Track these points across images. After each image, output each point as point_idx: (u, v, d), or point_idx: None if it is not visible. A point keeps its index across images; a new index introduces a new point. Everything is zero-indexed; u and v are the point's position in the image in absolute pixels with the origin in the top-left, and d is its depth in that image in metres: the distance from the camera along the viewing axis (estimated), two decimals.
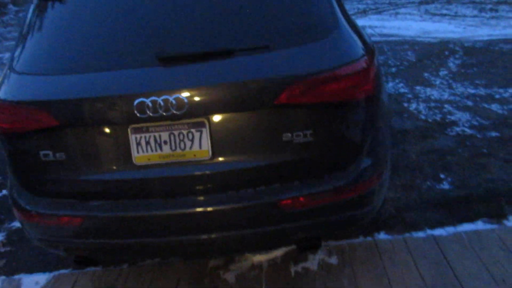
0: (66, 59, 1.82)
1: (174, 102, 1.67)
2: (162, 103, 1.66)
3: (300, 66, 1.73)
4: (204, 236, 1.81)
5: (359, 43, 1.87)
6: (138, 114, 1.68)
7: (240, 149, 1.77)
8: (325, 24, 1.81)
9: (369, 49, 1.91)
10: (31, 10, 2.00)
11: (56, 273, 2.50)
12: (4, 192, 3.51)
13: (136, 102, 1.67)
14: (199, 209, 1.78)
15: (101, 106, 1.72)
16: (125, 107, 1.69)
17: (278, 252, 2.42)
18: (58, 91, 1.76)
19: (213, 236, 1.82)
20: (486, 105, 4.39)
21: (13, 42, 10.37)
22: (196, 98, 1.68)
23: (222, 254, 2.33)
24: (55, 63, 1.81)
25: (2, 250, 2.82)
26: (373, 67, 1.85)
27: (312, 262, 2.34)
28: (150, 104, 1.66)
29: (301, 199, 1.79)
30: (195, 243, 1.85)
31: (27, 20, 1.99)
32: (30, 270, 2.57)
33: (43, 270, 2.55)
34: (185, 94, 1.67)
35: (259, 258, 2.41)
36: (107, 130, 1.76)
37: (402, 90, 4.98)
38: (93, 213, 1.82)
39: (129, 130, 1.75)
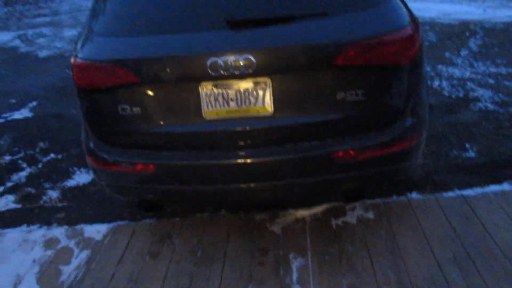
0: (144, 22, 2.02)
1: (243, 62, 1.87)
2: (232, 63, 1.87)
3: (355, 31, 1.92)
4: (266, 184, 2.04)
5: (405, 13, 2.05)
6: (210, 72, 1.88)
7: (298, 106, 1.97)
8: None
9: (414, 18, 2.10)
10: None
11: (115, 223, 2.74)
12: (52, 155, 3.75)
13: (209, 61, 1.87)
14: (261, 159, 2.00)
15: (177, 64, 1.92)
16: (199, 66, 1.89)
17: (319, 208, 2.65)
18: (138, 50, 1.96)
19: (270, 183, 2.05)
20: (507, 83, 4.54)
21: (32, 19, 10.53)
22: (262, 59, 1.88)
23: (281, 200, 2.53)
24: (133, 26, 2.02)
25: (60, 205, 3.07)
26: (418, 35, 2.04)
27: (352, 216, 2.56)
28: (222, 63, 1.87)
29: (352, 152, 2.00)
30: (257, 189, 2.08)
31: None
32: (90, 221, 2.81)
33: (101, 221, 2.79)
34: (252, 55, 1.86)
35: (302, 213, 2.63)
36: (180, 86, 1.97)
37: (426, 71, 5.13)
38: (165, 161, 2.05)
39: (200, 87, 1.96)
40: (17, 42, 8.30)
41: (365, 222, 2.50)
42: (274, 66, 1.91)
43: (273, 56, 1.90)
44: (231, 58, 1.86)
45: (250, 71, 1.88)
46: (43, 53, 7.39)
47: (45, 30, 9.09)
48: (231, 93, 1.96)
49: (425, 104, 2.20)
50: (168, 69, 1.93)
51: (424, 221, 2.44)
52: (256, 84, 1.94)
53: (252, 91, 1.96)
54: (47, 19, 10.44)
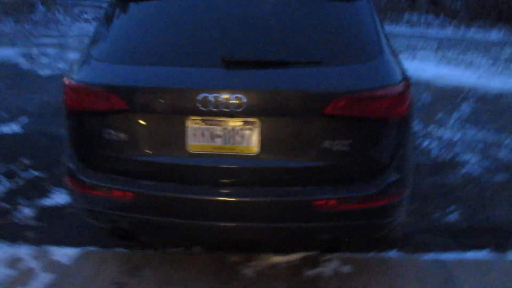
0: (141, 52, 2.06)
1: (233, 100, 1.88)
2: (223, 100, 1.88)
3: (347, 83, 1.95)
4: (244, 225, 2.01)
5: (398, 70, 2.10)
6: (200, 107, 1.89)
7: (284, 150, 1.97)
8: (372, 49, 2.04)
9: (406, 77, 2.15)
10: (112, 7, 2.25)
11: (85, 249, 2.66)
12: (35, 173, 3.70)
13: (200, 96, 1.89)
14: (242, 199, 1.97)
15: (168, 96, 1.94)
16: (189, 99, 1.90)
17: (295, 256, 2.58)
18: (131, 79, 1.99)
19: (250, 225, 2.01)
20: (495, 150, 4.60)
21: (40, 39, 10.70)
22: (253, 100, 1.89)
23: (258, 243, 2.49)
24: (130, 54, 2.05)
25: (32, 223, 2.99)
26: (409, 93, 2.08)
27: (328, 268, 2.49)
28: (212, 100, 1.88)
29: (332, 202, 1.99)
30: (235, 229, 2.04)
31: (108, 15, 2.23)
32: (59, 244, 2.72)
33: (72, 245, 2.71)
34: (244, 95, 1.88)
35: (277, 259, 2.57)
36: (169, 118, 1.98)
37: (416, 127, 5.20)
38: (144, 190, 2.01)
39: (188, 120, 1.96)
40: (20, 59, 8.39)
41: (340, 276, 2.44)
42: (264, 108, 1.92)
43: (264, 98, 1.92)
44: (222, 96, 1.88)
45: (240, 110, 1.89)
46: (44, 72, 7.45)
47: (50, 51, 9.22)
48: (219, 129, 1.97)
49: (410, 162, 2.21)
50: (159, 100, 1.94)
51: (401, 281, 2.38)
52: (244, 123, 1.95)
53: (240, 130, 1.96)
54: (54, 40, 10.62)
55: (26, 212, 3.09)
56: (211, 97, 1.88)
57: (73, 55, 8.74)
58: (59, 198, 3.29)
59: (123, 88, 1.96)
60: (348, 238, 2.49)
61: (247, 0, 2.11)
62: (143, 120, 1.99)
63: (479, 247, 2.70)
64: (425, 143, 4.70)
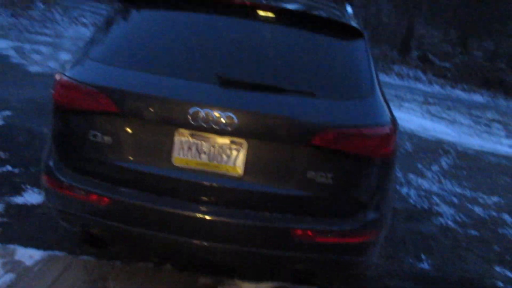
0: (138, 57, 2.06)
1: (224, 118, 1.89)
2: (214, 117, 1.89)
3: (337, 117, 1.99)
4: (219, 245, 1.97)
5: (387, 113, 2.15)
6: (190, 121, 1.89)
7: (267, 174, 1.97)
8: (365, 88, 2.10)
9: (394, 120, 2.20)
10: (114, 11, 2.27)
11: (51, 252, 2.57)
12: (10, 168, 3.59)
13: (191, 110, 1.89)
14: (219, 219, 1.95)
15: (160, 105, 1.93)
16: (181, 111, 1.90)
17: (266, 285, 2.54)
18: (125, 82, 1.98)
19: (223, 246, 1.98)
20: (470, 206, 4.69)
21: (34, 35, 10.63)
22: (243, 120, 1.90)
23: (224, 264, 2.45)
24: (127, 59, 2.05)
25: (0, 220, 2.88)
26: (395, 135, 2.12)
27: None
28: (203, 115, 1.88)
29: (310, 232, 1.98)
30: (209, 249, 2.00)
31: (109, 18, 2.24)
32: (25, 244, 2.63)
33: (37, 247, 2.61)
34: (235, 114, 1.89)
35: (248, 286, 2.52)
36: (157, 127, 1.96)
37: (396, 174, 5.28)
38: (121, 197, 1.97)
39: (177, 132, 1.96)
40: (11, 52, 8.28)
41: None
42: (253, 130, 1.93)
43: (254, 120, 1.93)
44: (213, 112, 1.89)
45: (229, 129, 1.90)
46: (33, 69, 7.36)
47: (42, 48, 9.14)
48: (206, 145, 1.96)
49: (389, 203, 2.24)
50: (150, 108, 1.93)
51: None
52: (232, 143, 1.95)
53: (226, 149, 1.96)
54: (48, 39, 10.55)
55: None
56: (202, 112, 1.88)
57: (65, 56, 8.67)
58: (31, 197, 3.19)
59: (115, 90, 1.95)
60: (321, 271, 2.47)
61: (250, 23, 2.15)
62: (130, 125, 1.97)
63: None
64: (404, 190, 4.76)
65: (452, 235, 3.80)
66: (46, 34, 11.14)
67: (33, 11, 14.82)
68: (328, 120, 1.96)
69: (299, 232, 1.97)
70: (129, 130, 1.97)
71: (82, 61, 2.10)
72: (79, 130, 2.02)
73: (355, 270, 2.19)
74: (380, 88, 2.25)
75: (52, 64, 7.95)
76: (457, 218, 4.25)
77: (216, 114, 1.88)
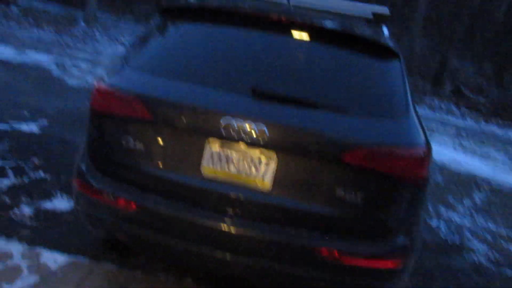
0: (174, 67, 2.10)
1: (255, 130, 1.88)
2: (245, 128, 1.88)
3: (371, 135, 1.95)
4: (242, 259, 1.94)
5: (422, 134, 2.10)
6: (221, 131, 1.89)
7: (296, 190, 1.94)
8: (399, 107, 2.06)
9: (428, 142, 2.13)
10: (155, 23, 2.34)
11: (75, 257, 2.59)
12: (42, 174, 3.68)
13: (223, 119, 1.89)
14: (245, 232, 1.92)
15: (193, 113, 1.95)
16: (212, 121, 1.91)
17: None
18: (159, 90, 2.01)
19: (248, 260, 1.94)
20: (504, 244, 4.47)
21: (75, 51, 11.05)
22: (275, 133, 1.89)
23: (245, 279, 2.39)
24: (164, 68, 2.09)
25: (28, 222, 2.94)
26: (429, 158, 2.06)
27: None
28: (235, 125, 1.88)
29: (336, 253, 1.92)
30: (231, 262, 1.96)
31: (148, 30, 2.31)
32: (51, 248, 2.66)
33: (62, 251, 2.64)
34: (267, 127, 1.88)
35: None
36: (189, 136, 1.98)
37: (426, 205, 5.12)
38: (148, 203, 1.98)
39: (207, 142, 1.96)
40: (52, 66, 8.64)
41: None
42: (284, 144, 1.91)
43: (286, 134, 1.91)
44: (245, 123, 1.89)
45: (260, 141, 1.89)
46: (72, 82, 7.64)
47: (81, 64, 9.50)
48: (235, 157, 1.95)
49: (419, 230, 2.15)
50: (182, 116, 1.95)
51: None
52: (262, 155, 1.94)
53: (256, 162, 1.95)
54: (88, 55, 10.97)
55: (26, 210, 3.05)
56: (234, 122, 1.88)
57: (102, 72, 8.98)
58: (60, 203, 3.25)
59: (151, 98, 1.99)
60: None
61: (286, 39, 2.16)
62: (163, 133, 1.99)
63: None
64: (434, 223, 4.60)
65: (484, 273, 3.62)
66: (85, 51, 11.60)
67: (75, 28, 15.51)
68: (360, 138, 1.93)
69: (325, 251, 1.91)
70: (161, 137, 1.99)
71: (121, 69, 2.16)
72: (113, 136, 2.06)
73: None
74: (415, 110, 2.21)
75: (90, 78, 8.24)
76: (490, 255, 4.05)
77: (248, 125, 1.88)
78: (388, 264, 1.97)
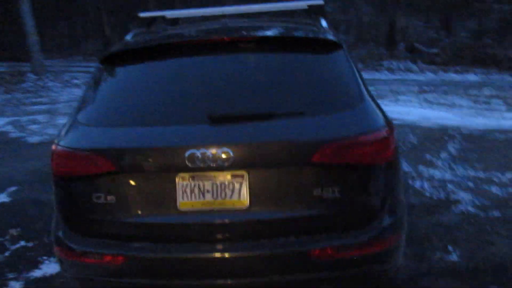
0: (126, 113, 2.09)
1: (221, 155, 1.89)
2: (210, 155, 1.89)
3: (331, 131, 1.98)
4: (240, 281, 1.94)
5: (381, 116, 2.15)
6: (188, 164, 1.90)
7: (274, 201, 1.96)
8: (353, 97, 2.10)
9: (389, 122, 2.19)
10: (97, 72, 2.31)
11: None
12: (22, 243, 3.59)
13: (187, 153, 1.90)
14: (236, 254, 1.93)
15: (156, 155, 1.94)
16: (177, 157, 1.91)
17: None
18: (118, 141, 2.00)
19: (246, 281, 1.95)
20: (486, 187, 4.61)
21: (30, 106, 10.79)
22: (240, 153, 1.91)
23: None
24: (116, 117, 2.08)
25: None
26: (393, 137, 2.11)
27: None
28: (199, 155, 1.89)
29: (329, 250, 1.95)
30: (231, 287, 1.97)
31: (93, 80, 2.29)
32: None
33: None
34: (230, 149, 1.90)
35: None
36: (158, 177, 1.97)
37: (406, 169, 5.23)
38: (134, 253, 1.96)
39: (177, 178, 1.96)
40: (9, 127, 8.42)
41: None
42: (251, 161, 1.93)
43: (250, 151, 1.93)
44: (209, 151, 1.89)
45: (227, 164, 1.90)
46: (33, 139, 7.46)
47: (39, 117, 9.29)
48: (207, 184, 1.96)
49: (403, 205, 2.20)
50: (147, 160, 1.95)
51: None
52: (233, 177, 1.95)
53: (229, 184, 1.96)
54: (44, 107, 10.73)
55: (16, 286, 2.97)
56: (198, 153, 1.89)
57: (62, 121, 8.78)
58: (48, 268, 3.18)
59: (110, 150, 1.97)
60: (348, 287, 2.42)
61: (229, 57, 2.18)
62: (131, 180, 1.98)
63: (483, 286, 2.64)
64: (417, 184, 4.70)
65: (475, 221, 3.73)
66: (41, 103, 11.34)
67: (25, 83, 15.12)
68: (323, 136, 1.96)
69: (318, 251, 1.94)
70: (130, 185, 1.98)
71: (73, 127, 2.13)
72: (81, 196, 2.03)
73: (383, 279, 2.14)
74: (369, 94, 2.25)
75: (51, 130, 8.06)
76: (476, 202, 4.17)
77: (212, 152, 1.89)
78: (381, 246, 2.01)
